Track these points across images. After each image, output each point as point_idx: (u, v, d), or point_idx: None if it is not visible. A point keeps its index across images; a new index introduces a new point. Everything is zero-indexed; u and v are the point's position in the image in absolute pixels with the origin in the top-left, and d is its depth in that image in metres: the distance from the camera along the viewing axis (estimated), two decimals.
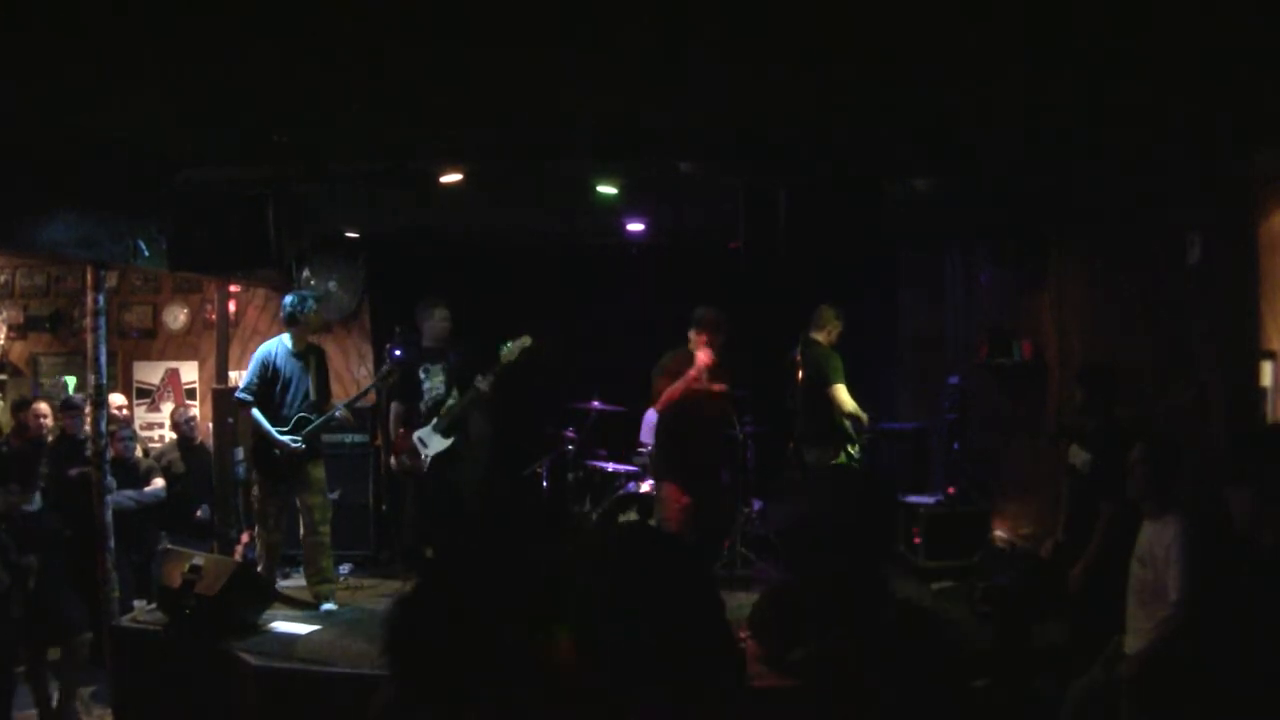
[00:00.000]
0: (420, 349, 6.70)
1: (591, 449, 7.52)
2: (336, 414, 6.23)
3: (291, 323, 6.23)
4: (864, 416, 6.50)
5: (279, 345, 6.25)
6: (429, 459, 6.50)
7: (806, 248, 5.74)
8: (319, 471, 6.21)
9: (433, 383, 6.64)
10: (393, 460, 6.73)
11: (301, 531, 6.18)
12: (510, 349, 6.40)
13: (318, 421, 6.14)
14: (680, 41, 3.69)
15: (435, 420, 6.54)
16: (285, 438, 6.05)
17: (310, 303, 6.30)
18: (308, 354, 6.28)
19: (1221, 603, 3.31)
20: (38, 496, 5.52)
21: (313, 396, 6.20)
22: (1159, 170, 5.16)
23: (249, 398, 6.13)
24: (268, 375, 6.14)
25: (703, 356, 6.27)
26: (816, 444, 6.52)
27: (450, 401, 6.56)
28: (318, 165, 5.74)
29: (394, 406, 6.74)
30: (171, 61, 3.88)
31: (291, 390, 6.16)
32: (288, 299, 6.32)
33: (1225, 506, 3.05)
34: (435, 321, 6.68)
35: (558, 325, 6.76)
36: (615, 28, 3.55)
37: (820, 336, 6.64)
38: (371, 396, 7.21)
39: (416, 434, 6.57)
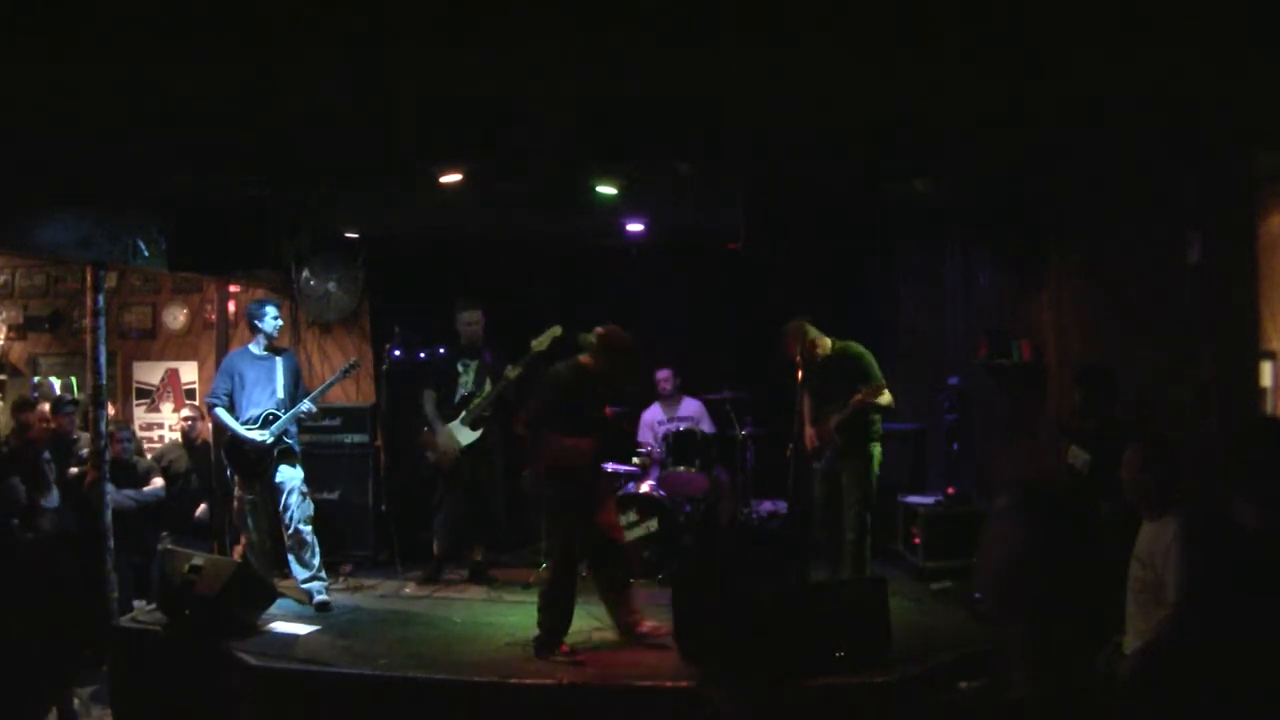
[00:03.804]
0: (447, 346, 6.90)
1: None
2: (303, 409, 6.26)
3: (253, 330, 6.36)
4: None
5: (242, 351, 6.41)
6: (457, 453, 6.63)
7: (805, 247, 5.76)
8: (295, 470, 6.24)
9: (466, 377, 6.82)
10: (428, 454, 6.86)
11: (285, 531, 6.21)
12: (541, 340, 6.43)
13: (285, 416, 6.20)
14: (680, 42, 3.70)
15: (464, 414, 6.67)
16: (254, 434, 6.12)
17: (269, 319, 6.31)
18: (273, 354, 6.37)
19: (1223, 600, 3.30)
20: (55, 493, 5.51)
21: (280, 395, 6.26)
22: (1159, 170, 5.16)
23: (216, 401, 6.24)
24: (232, 380, 6.25)
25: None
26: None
27: (480, 396, 6.67)
28: (318, 166, 5.75)
29: (426, 394, 6.87)
30: (172, 62, 3.89)
31: (258, 390, 6.24)
32: (249, 307, 6.47)
33: (1229, 503, 3.05)
34: (462, 323, 6.87)
35: (557, 325, 6.74)
36: (615, 28, 3.55)
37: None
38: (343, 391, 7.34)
39: (446, 426, 6.70)
